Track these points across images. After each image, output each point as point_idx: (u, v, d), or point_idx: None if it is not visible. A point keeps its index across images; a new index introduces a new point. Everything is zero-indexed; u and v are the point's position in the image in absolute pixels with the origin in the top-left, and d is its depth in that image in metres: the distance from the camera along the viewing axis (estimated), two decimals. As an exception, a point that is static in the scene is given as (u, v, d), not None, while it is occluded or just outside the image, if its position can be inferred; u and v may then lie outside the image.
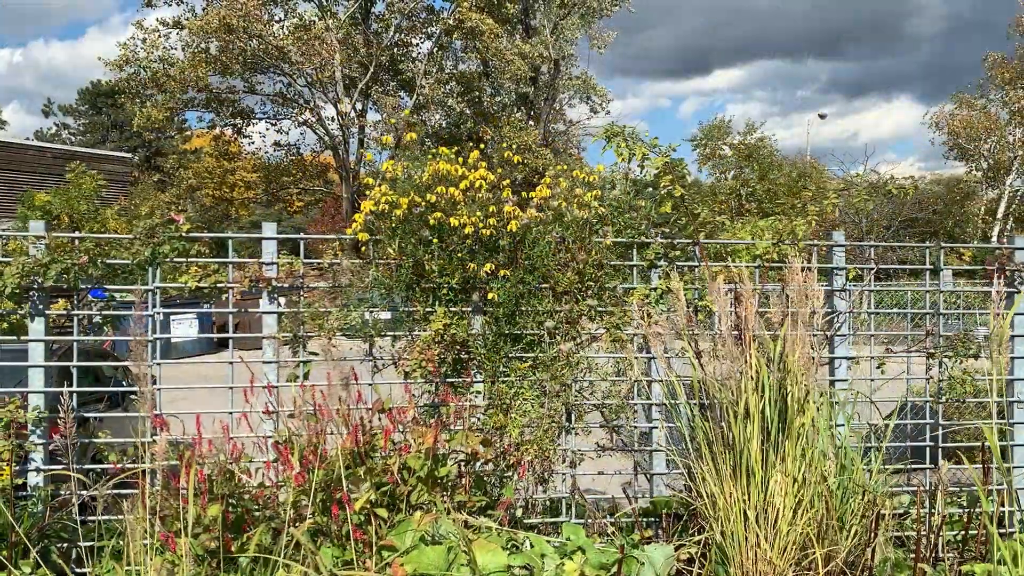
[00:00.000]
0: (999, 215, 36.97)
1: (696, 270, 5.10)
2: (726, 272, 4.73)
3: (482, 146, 4.94)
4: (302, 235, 4.97)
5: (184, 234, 4.64)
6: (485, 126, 30.02)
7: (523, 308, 4.88)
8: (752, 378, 3.86)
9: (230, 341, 4.88)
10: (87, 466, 4.62)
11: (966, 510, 5.10)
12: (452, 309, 4.83)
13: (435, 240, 4.81)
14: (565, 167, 5.26)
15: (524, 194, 5.07)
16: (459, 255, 4.81)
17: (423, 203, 4.77)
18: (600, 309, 4.98)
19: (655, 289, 4.99)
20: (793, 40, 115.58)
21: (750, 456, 3.75)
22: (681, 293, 4.26)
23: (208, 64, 27.40)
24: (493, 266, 4.80)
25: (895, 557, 4.15)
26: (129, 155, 37.23)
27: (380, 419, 4.09)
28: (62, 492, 4.52)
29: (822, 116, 63.74)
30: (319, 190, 35.82)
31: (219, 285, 4.74)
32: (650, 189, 5.46)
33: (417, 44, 31.74)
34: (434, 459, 3.83)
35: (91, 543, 4.26)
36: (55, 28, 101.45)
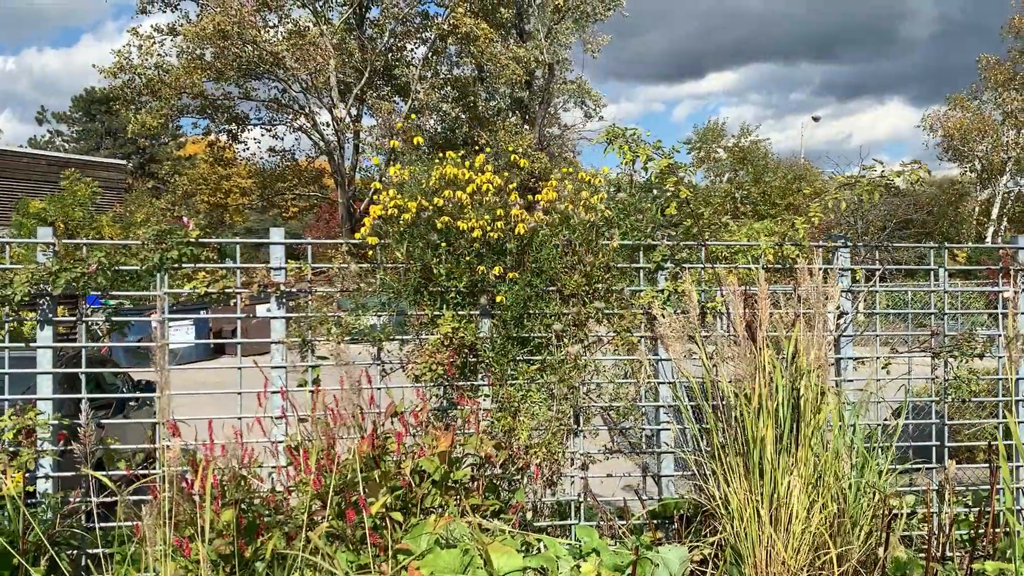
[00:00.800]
0: (993, 216, 37.15)
1: (701, 272, 5.12)
2: (733, 273, 4.75)
3: (489, 149, 4.93)
4: (310, 240, 4.97)
5: (193, 240, 4.63)
6: (480, 130, 30.02)
7: (531, 311, 4.89)
8: (766, 378, 3.87)
9: (237, 347, 4.88)
10: (96, 473, 4.60)
11: (971, 509, 5.13)
12: (460, 312, 4.84)
13: (443, 244, 4.81)
14: (570, 170, 5.27)
15: (529, 197, 5.08)
16: (467, 258, 4.82)
17: (431, 207, 4.78)
18: (607, 312, 4.99)
19: (662, 291, 5.00)
20: (787, 43, 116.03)
21: (764, 456, 3.76)
22: (694, 294, 4.27)
23: (203, 70, 27.36)
24: (501, 269, 4.80)
25: (906, 556, 4.16)
26: (123, 162, 37.15)
27: (392, 423, 4.10)
28: (71, 499, 4.50)
29: (816, 119, 63.80)
30: (314, 195, 35.78)
31: (227, 290, 4.74)
32: (654, 192, 5.47)
33: (412, 49, 31.76)
34: (449, 462, 3.84)
35: (101, 550, 4.25)
36: (49, 36, 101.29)
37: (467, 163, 4.92)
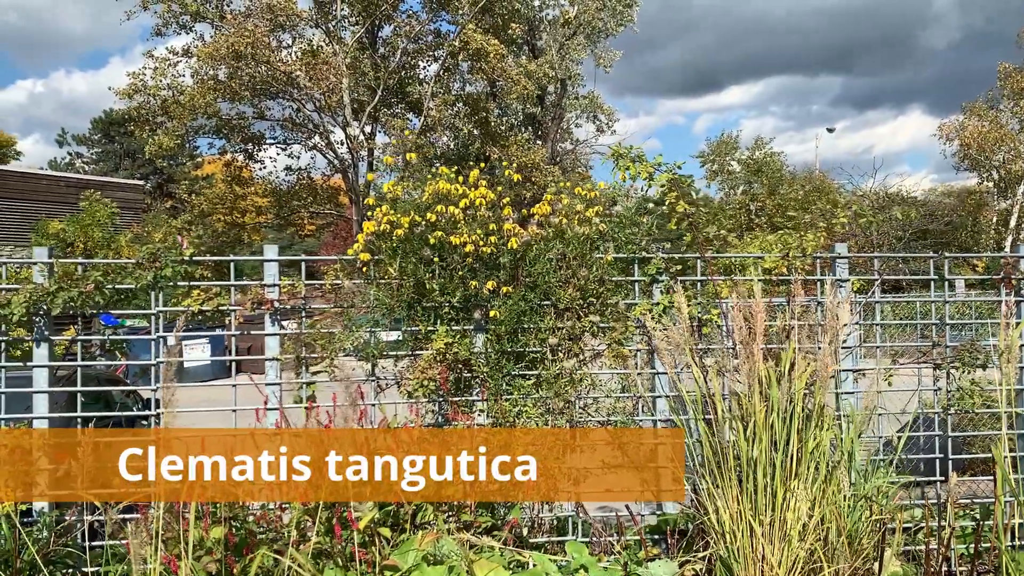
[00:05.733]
0: (1011, 225, 36.75)
1: (700, 285, 5.08)
2: (731, 286, 4.71)
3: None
4: (303, 256, 4.99)
5: (186, 258, 4.66)
6: (493, 146, 30.12)
7: (525, 325, 4.88)
8: (762, 392, 3.83)
9: (240, 364, 4.90)
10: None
11: (978, 522, 5.04)
12: (454, 328, 4.83)
13: (436, 259, 4.82)
14: (567, 184, 5.28)
15: (526, 211, 5.08)
16: (460, 273, 4.82)
17: (423, 222, 4.79)
18: (602, 325, 4.96)
19: (657, 304, 4.97)
20: (806, 55, 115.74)
21: (758, 471, 3.72)
22: (684, 307, 4.24)
23: (216, 91, 27.63)
24: (494, 284, 4.80)
25: (904, 571, 4.09)
26: (142, 182, 37.54)
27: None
28: (67, 517, 4.52)
29: (830, 130, 63.86)
30: (330, 213, 35.97)
31: (221, 308, 4.76)
32: (653, 205, 5.46)
33: (424, 67, 31.94)
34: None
35: (96, 568, 4.26)
36: (77, 58, 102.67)
37: (460, 178, 4.93)
